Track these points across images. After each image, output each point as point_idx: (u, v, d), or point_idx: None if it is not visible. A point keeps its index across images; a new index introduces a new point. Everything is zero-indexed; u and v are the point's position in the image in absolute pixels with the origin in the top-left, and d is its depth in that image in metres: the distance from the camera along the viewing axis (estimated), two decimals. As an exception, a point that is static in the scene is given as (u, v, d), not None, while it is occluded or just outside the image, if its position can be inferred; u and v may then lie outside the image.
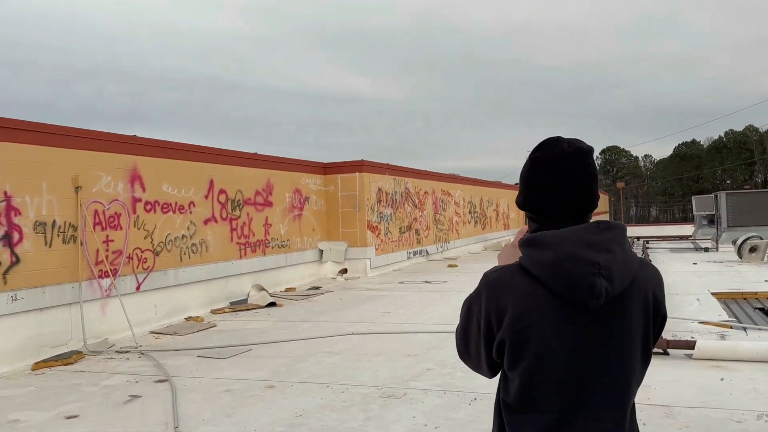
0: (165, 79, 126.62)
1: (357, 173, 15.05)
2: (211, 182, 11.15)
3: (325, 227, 15.22)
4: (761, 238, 14.54)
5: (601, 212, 48.27)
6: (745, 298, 10.20)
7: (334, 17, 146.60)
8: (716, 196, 19.85)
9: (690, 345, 6.13)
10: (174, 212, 10.22)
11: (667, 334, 6.75)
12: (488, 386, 2.95)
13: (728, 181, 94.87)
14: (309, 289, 13.20)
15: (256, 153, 12.60)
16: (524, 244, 1.58)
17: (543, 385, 1.52)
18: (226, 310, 10.77)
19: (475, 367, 1.73)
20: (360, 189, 15.04)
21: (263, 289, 12.10)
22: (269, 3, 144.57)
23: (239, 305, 11.15)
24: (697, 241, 21.42)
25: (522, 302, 1.51)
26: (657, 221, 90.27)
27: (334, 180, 15.25)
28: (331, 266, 15.09)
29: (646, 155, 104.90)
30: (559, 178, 1.56)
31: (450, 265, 16.82)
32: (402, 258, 17.26)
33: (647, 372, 1.64)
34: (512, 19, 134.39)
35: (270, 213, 12.90)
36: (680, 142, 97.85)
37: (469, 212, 24.41)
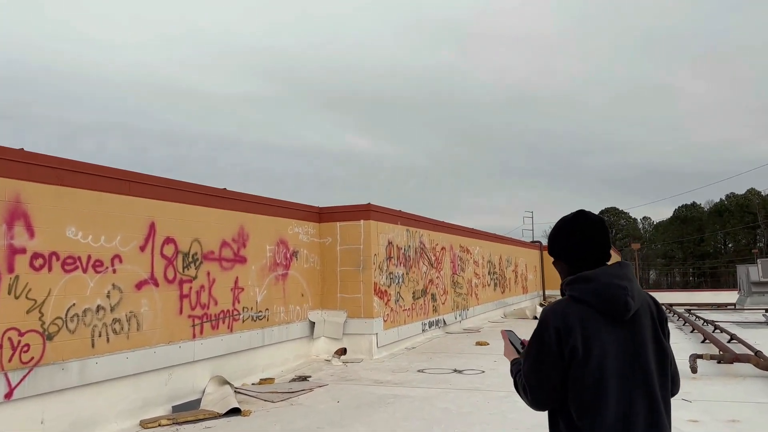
0: (168, 135, 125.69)
1: (362, 221, 11.56)
2: (152, 227, 7.62)
3: (318, 291, 11.61)
4: None
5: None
6: None
7: (338, 81, 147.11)
8: (794, 258, 16.41)
9: None
10: (84, 270, 6.65)
11: None
12: None
13: (730, 245, 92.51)
14: (293, 379, 9.47)
15: (225, 189, 9.14)
16: (571, 282, 2.29)
17: (606, 375, 2.14)
18: (164, 422, 7.04)
19: (544, 396, 2.24)
20: (365, 241, 11.52)
21: (227, 382, 8.42)
22: (279, 67, 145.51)
23: (185, 413, 7.42)
24: (765, 314, 17.80)
25: (581, 318, 2.18)
26: (669, 286, 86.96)
27: (332, 229, 11.74)
28: (325, 344, 11.39)
29: (644, 217, 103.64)
30: (588, 240, 2.36)
31: (479, 343, 13.07)
32: (416, 331, 13.57)
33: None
34: (510, 86, 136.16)
35: (242, 272, 9.33)
36: (680, 205, 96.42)
37: (489, 273, 20.84)
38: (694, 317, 18.33)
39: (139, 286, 7.35)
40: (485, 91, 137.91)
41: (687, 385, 8.31)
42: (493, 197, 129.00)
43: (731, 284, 76.43)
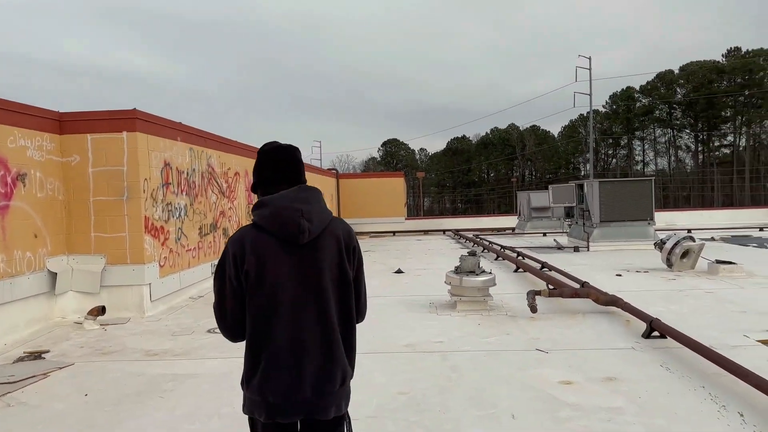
0: None
1: (125, 133, 8.49)
2: None
3: (61, 230, 8.42)
4: (692, 240, 11.39)
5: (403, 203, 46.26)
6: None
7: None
8: (584, 185, 16.95)
9: None
10: None
11: None
12: None
13: (492, 174, 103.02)
14: (21, 358, 6.50)
15: None
16: (253, 208, 2.29)
17: (280, 298, 2.21)
18: None
19: (232, 322, 2.29)
20: (131, 161, 8.52)
21: None
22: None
23: None
24: (556, 239, 18.55)
25: (256, 244, 2.22)
26: (441, 212, 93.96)
27: (81, 144, 8.50)
28: (75, 301, 8.38)
29: (421, 149, 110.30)
30: (275, 163, 2.38)
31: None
32: (204, 275, 11.02)
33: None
34: (304, 16, 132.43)
35: None
36: (452, 138, 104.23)
37: (286, 202, 18.71)
38: (488, 242, 18.43)
39: None
40: (279, 18, 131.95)
41: (530, 328, 7.22)
42: (283, 126, 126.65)
43: (491, 210, 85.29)
